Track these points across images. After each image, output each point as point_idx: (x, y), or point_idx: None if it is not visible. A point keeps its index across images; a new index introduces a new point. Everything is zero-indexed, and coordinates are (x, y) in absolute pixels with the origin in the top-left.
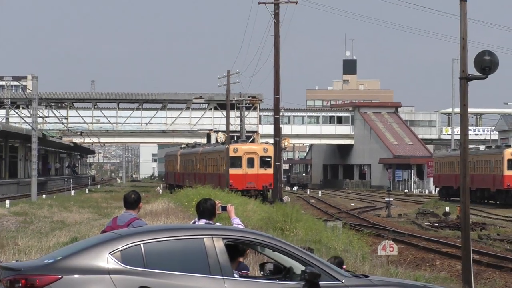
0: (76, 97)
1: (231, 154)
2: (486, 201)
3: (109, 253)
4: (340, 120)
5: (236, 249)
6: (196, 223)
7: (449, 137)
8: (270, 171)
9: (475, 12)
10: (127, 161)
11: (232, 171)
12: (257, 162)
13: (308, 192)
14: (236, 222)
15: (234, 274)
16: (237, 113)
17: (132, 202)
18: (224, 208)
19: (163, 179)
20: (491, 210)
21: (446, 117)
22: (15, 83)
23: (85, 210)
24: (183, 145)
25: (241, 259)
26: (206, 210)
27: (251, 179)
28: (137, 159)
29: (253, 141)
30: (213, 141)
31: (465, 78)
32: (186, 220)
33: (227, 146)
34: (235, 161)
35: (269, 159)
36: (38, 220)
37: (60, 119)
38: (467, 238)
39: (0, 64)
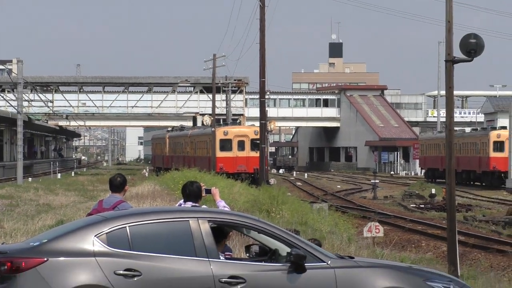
0: (61, 80)
1: (221, 137)
2: (472, 182)
3: (95, 235)
4: (326, 103)
5: (221, 232)
6: (182, 205)
7: (435, 119)
8: None
9: None
10: (113, 144)
11: (222, 154)
12: (248, 145)
13: (294, 175)
14: (222, 204)
15: (220, 256)
16: (223, 96)
17: (117, 185)
18: (208, 191)
19: (150, 162)
20: (477, 192)
21: (432, 100)
22: (0, 67)
23: (71, 193)
24: (170, 128)
25: (227, 242)
26: (192, 192)
27: (242, 162)
28: (123, 142)
29: (239, 124)
30: (199, 124)
31: (450, 61)
32: (172, 203)
33: (213, 129)
34: (226, 144)
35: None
36: (24, 203)
37: (46, 102)
38: (453, 219)
39: None
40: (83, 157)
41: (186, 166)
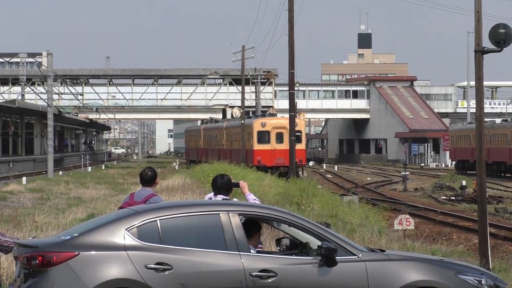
0: (91, 73)
1: (259, 128)
2: (502, 174)
3: (126, 229)
4: (355, 94)
5: (254, 226)
6: (212, 198)
7: (464, 110)
8: (301, 146)
9: None
10: (143, 137)
11: (259, 146)
12: (286, 137)
13: (324, 167)
14: (252, 198)
15: (251, 250)
16: (252, 88)
17: (148, 179)
18: (236, 185)
19: (184, 155)
20: (508, 183)
21: (462, 91)
22: (30, 59)
23: (101, 186)
24: (202, 120)
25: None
26: (223, 185)
27: (280, 155)
28: (153, 135)
29: (270, 116)
30: (228, 116)
31: (480, 51)
32: (202, 196)
33: (242, 121)
34: (263, 136)
35: (299, 134)
36: (55, 197)
37: (76, 95)
38: (484, 211)
39: (15, 41)
40: (120, 150)
41: (222, 160)
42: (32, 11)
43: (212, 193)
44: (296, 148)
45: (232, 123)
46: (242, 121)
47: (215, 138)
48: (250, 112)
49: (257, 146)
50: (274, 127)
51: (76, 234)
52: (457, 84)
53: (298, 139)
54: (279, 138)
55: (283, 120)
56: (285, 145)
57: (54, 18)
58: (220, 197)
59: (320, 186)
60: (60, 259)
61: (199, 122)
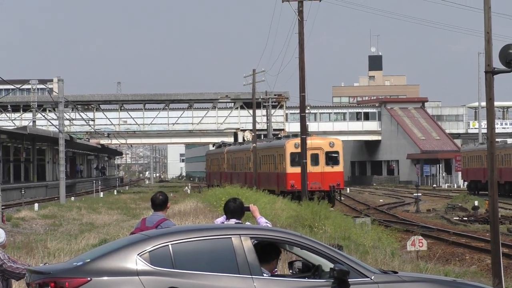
0: (102, 98)
1: (292, 150)
2: None
3: (138, 254)
4: (367, 116)
5: (274, 250)
6: (225, 223)
7: (476, 131)
8: (338, 168)
9: (501, 5)
10: (154, 162)
11: (293, 169)
12: (322, 159)
13: None
14: (263, 221)
15: (264, 274)
16: (264, 112)
17: (160, 203)
18: (247, 209)
19: (205, 180)
20: None
21: (473, 111)
22: (41, 86)
23: (113, 211)
24: (214, 144)
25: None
26: (236, 209)
27: (316, 179)
28: (165, 159)
29: (279, 139)
30: (240, 140)
31: (490, 72)
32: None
33: (254, 144)
34: (297, 158)
35: (336, 155)
36: (67, 223)
37: (87, 121)
38: (496, 231)
39: (26, 68)
40: (125, 175)
41: (248, 184)
42: (42, 38)
43: (223, 217)
44: (332, 171)
45: (261, 144)
46: (254, 145)
47: (240, 161)
48: (262, 136)
49: (290, 169)
50: (308, 148)
51: (88, 260)
52: (468, 104)
53: (336, 161)
54: (314, 159)
55: (318, 140)
56: (320, 168)
57: (64, 44)
58: (233, 221)
59: (332, 209)
60: (73, 285)
61: (210, 146)
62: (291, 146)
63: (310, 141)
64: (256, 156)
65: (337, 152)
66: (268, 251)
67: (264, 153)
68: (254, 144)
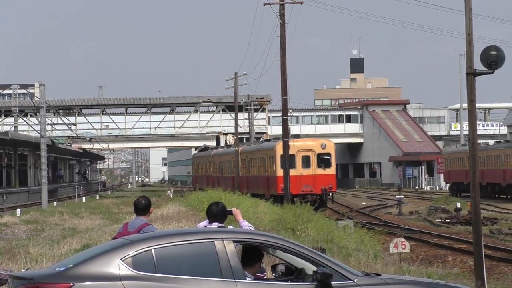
0: (84, 103)
1: (282, 152)
2: (496, 195)
3: (120, 259)
4: (349, 119)
5: (257, 254)
6: (207, 226)
7: (458, 133)
8: (330, 171)
9: (482, 7)
10: (137, 166)
11: (283, 172)
12: (314, 161)
13: None
14: (246, 224)
15: (246, 277)
16: (246, 115)
17: (142, 207)
18: (229, 212)
19: (187, 183)
20: (502, 205)
21: (455, 113)
22: (23, 91)
23: (96, 216)
24: (196, 147)
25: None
26: (219, 213)
27: (307, 182)
28: (147, 163)
29: (294, 137)
30: (222, 143)
31: (472, 74)
32: (198, 224)
33: (236, 148)
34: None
35: (328, 157)
36: (50, 228)
37: (69, 125)
38: (479, 233)
39: (8, 72)
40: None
41: (237, 188)
42: (23, 42)
43: (206, 221)
44: (324, 173)
45: (249, 147)
46: (236, 148)
47: (228, 165)
48: (244, 139)
49: (280, 172)
50: (299, 150)
51: (71, 265)
52: (450, 106)
53: (328, 163)
54: (306, 162)
55: (310, 141)
56: (312, 170)
57: (46, 49)
58: (215, 225)
59: (314, 211)
60: None
61: (193, 150)
62: (281, 148)
63: (302, 143)
64: (238, 160)
65: (329, 154)
66: (251, 255)
67: (253, 156)
68: (236, 148)
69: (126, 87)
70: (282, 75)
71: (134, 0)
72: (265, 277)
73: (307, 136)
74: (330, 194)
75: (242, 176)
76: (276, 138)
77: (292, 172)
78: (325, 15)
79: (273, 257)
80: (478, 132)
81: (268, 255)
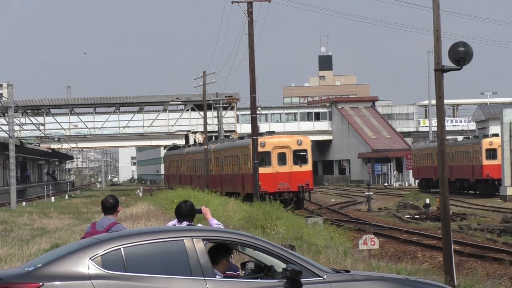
0: (52, 103)
1: (258, 149)
2: (465, 191)
3: (90, 258)
4: (317, 116)
5: (221, 250)
6: (177, 225)
7: (426, 129)
8: (307, 167)
9: (449, 4)
10: (106, 165)
11: (260, 170)
12: (290, 158)
13: None
14: (215, 223)
15: (217, 275)
16: (215, 113)
17: (110, 206)
18: (198, 211)
19: (164, 183)
20: (471, 200)
21: (423, 110)
22: None
23: (65, 216)
24: (165, 146)
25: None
26: (188, 212)
27: (284, 179)
28: (116, 163)
29: (269, 134)
30: (191, 142)
31: (440, 70)
32: (167, 223)
33: (205, 146)
34: (263, 158)
35: (304, 154)
36: (18, 228)
37: (37, 125)
38: (448, 229)
39: None
40: (76, 179)
41: (211, 187)
42: None
43: (175, 220)
44: (301, 170)
45: (222, 145)
46: (205, 147)
47: (200, 163)
48: (213, 137)
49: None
50: (275, 147)
51: (40, 265)
52: (419, 103)
53: (304, 160)
54: (282, 159)
55: (285, 138)
56: (288, 167)
57: (13, 49)
58: (184, 224)
59: (284, 209)
60: None
61: (162, 149)
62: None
63: (278, 140)
64: (211, 158)
65: (305, 151)
66: (216, 252)
67: (227, 154)
68: (205, 146)
69: (95, 87)
70: (250, 73)
71: (101, 0)
72: (239, 274)
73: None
74: (307, 191)
75: (215, 175)
76: (250, 135)
77: (268, 170)
78: (293, 13)
79: (242, 255)
80: (447, 128)
81: (238, 253)
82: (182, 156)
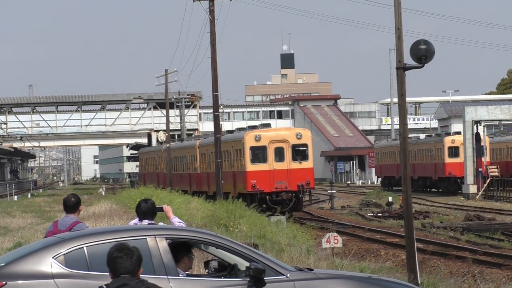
0: (14, 101)
1: (252, 143)
2: (428, 189)
3: (53, 257)
4: (280, 115)
5: (182, 249)
6: (138, 224)
7: (389, 127)
8: (307, 164)
9: (411, 1)
10: (68, 164)
11: (254, 167)
12: (288, 153)
13: None
14: (177, 221)
15: (180, 274)
16: (177, 112)
17: (72, 205)
18: (160, 209)
19: (119, 181)
20: (434, 198)
21: (386, 108)
22: None
23: (28, 214)
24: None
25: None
26: (148, 210)
27: (282, 177)
28: (78, 161)
29: (264, 127)
30: (153, 141)
31: (401, 68)
32: (130, 221)
33: (168, 145)
34: (258, 153)
35: (304, 148)
36: None
37: None
38: (411, 227)
39: None
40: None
41: (198, 187)
42: None
43: (137, 219)
44: (300, 167)
45: (208, 140)
46: (167, 145)
47: (184, 160)
48: (176, 136)
49: (250, 167)
50: (272, 141)
51: (3, 264)
52: (381, 101)
53: (304, 156)
54: (279, 154)
55: (283, 131)
56: (286, 164)
57: None
58: (145, 222)
59: (247, 207)
60: None
61: (124, 147)
62: (251, 139)
63: (274, 133)
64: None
65: (305, 145)
66: (177, 250)
67: (214, 150)
68: (168, 144)
69: (57, 85)
70: (212, 71)
71: None
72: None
73: None
74: (308, 191)
75: (201, 173)
76: (241, 129)
77: (263, 167)
78: (255, 11)
79: (206, 254)
80: (409, 126)
81: (201, 252)
82: (161, 153)
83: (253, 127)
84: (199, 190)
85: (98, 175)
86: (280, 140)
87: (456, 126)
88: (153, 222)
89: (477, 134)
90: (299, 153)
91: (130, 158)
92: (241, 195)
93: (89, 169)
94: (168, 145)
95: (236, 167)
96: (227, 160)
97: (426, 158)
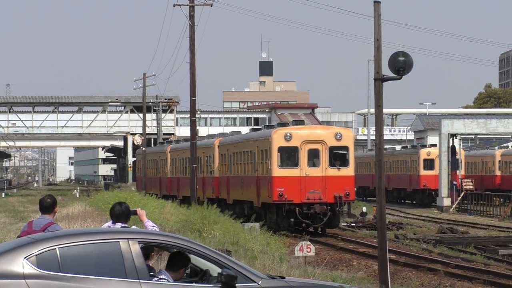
0: None
1: (281, 143)
2: (402, 201)
3: (25, 257)
4: (257, 122)
5: (182, 259)
6: (111, 226)
7: (365, 137)
8: (348, 171)
9: (391, 13)
10: (43, 165)
11: (282, 171)
12: (324, 157)
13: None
14: (150, 224)
15: (154, 278)
16: (154, 116)
17: (47, 206)
18: (133, 213)
19: (137, 187)
20: (408, 210)
21: (362, 118)
22: None
23: (1, 214)
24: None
25: (149, 263)
26: (122, 213)
27: (315, 186)
28: (54, 162)
29: (296, 123)
30: (129, 144)
31: (379, 79)
32: (103, 224)
33: (144, 148)
34: (288, 156)
35: (344, 152)
36: None
37: None
38: (384, 238)
39: None
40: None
41: (215, 194)
42: None
43: (110, 221)
44: (339, 174)
45: (230, 139)
46: (164, 144)
47: (196, 162)
48: (152, 140)
49: (277, 172)
50: (305, 141)
51: None
52: (358, 111)
53: (344, 161)
54: (313, 158)
55: (319, 130)
56: (322, 170)
57: None
58: (119, 225)
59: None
60: None
61: (100, 149)
62: (279, 138)
63: (309, 132)
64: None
65: (346, 148)
66: (177, 260)
67: (238, 150)
68: (144, 148)
69: (34, 85)
70: (191, 76)
71: None
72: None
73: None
74: (346, 204)
75: (221, 177)
76: (270, 126)
77: (293, 172)
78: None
79: None
80: (385, 137)
81: None
82: (166, 154)
83: (283, 124)
84: (215, 197)
85: (73, 177)
86: (316, 140)
87: (432, 139)
88: (126, 225)
89: (453, 147)
90: (338, 157)
91: (106, 161)
92: (265, 206)
93: (64, 170)
94: (144, 149)
95: (261, 171)
96: (250, 163)
97: (401, 169)
